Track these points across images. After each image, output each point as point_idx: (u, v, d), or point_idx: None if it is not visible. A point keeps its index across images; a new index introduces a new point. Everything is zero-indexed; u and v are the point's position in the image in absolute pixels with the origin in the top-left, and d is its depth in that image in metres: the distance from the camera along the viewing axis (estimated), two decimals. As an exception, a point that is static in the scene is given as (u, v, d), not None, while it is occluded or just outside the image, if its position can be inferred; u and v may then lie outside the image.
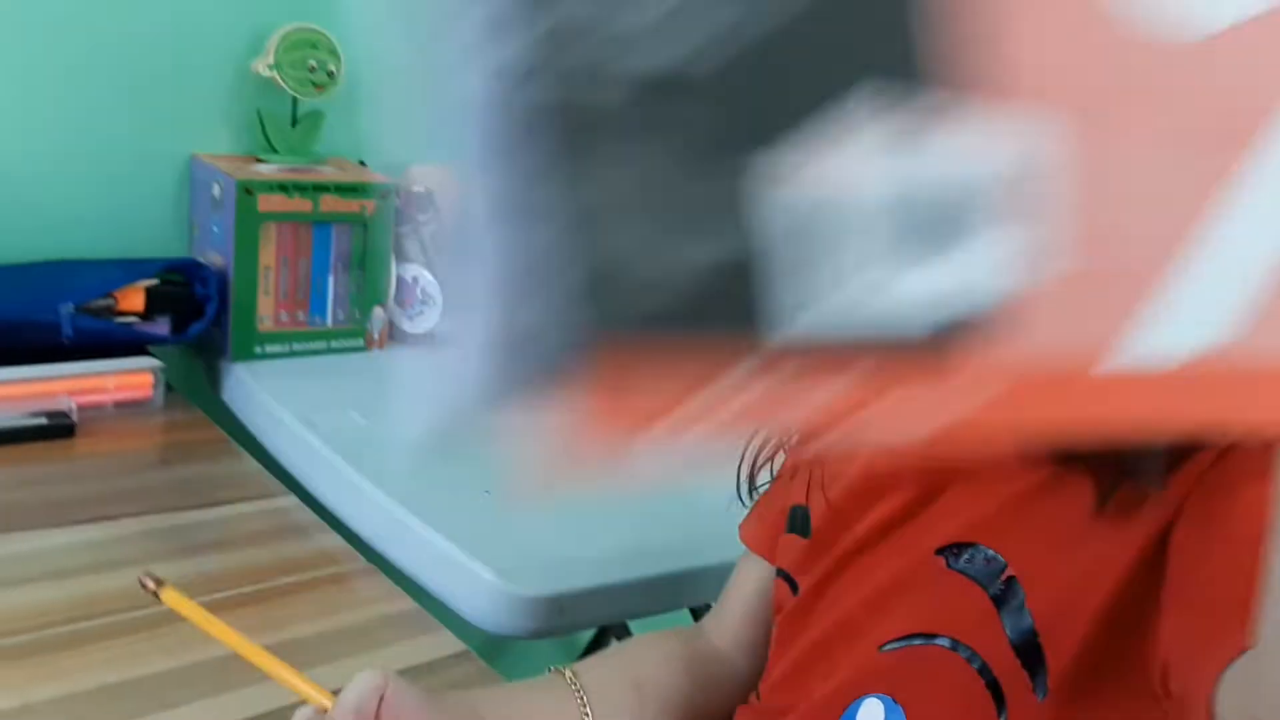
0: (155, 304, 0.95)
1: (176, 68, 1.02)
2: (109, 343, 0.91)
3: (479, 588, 0.69)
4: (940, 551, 0.46)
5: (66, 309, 0.88)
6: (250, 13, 1.04)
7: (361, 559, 0.73)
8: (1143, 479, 0.40)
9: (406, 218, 1.07)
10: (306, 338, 1.03)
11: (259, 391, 0.95)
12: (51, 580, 0.66)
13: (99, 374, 0.90)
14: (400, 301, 1.09)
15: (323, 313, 1.04)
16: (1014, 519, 0.45)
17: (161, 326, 0.96)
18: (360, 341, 1.06)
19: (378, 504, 0.78)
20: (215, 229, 1.00)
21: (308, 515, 0.79)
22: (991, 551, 0.45)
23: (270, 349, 1.01)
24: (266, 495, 0.81)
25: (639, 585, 0.72)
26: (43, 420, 0.84)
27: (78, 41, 0.97)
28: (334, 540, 0.75)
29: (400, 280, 1.08)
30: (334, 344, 1.05)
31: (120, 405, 0.91)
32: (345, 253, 1.04)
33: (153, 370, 0.92)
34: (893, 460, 0.51)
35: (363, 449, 0.85)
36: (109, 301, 0.92)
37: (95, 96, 0.99)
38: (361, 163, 1.12)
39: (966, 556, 0.45)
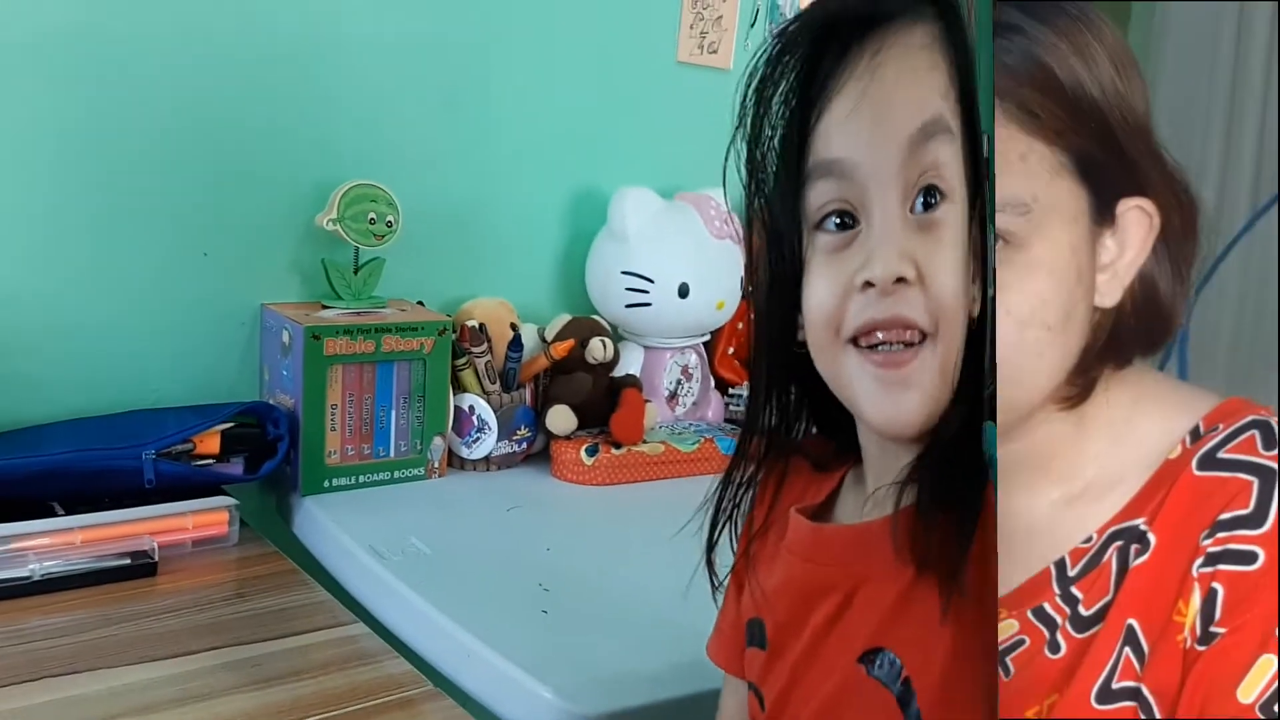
0: (230, 446, 1.01)
1: (247, 226, 1.10)
2: (188, 485, 0.97)
3: (539, 706, 0.71)
4: (860, 660, 0.48)
5: (148, 455, 0.94)
6: (313, 173, 1.12)
7: (428, 683, 0.76)
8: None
9: (461, 350, 1.13)
10: (371, 469, 1.08)
11: (327, 523, 0.99)
12: (134, 717, 0.69)
13: (178, 514, 0.94)
14: (457, 430, 1.14)
15: (386, 444, 1.09)
16: (901, 619, 0.46)
17: (236, 467, 1.02)
18: (421, 470, 1.11)
19: (440, 628, 0.81)
20: (285, 373, 1.06)
21: (376, 642, 0.81)
22: (893, 655, 0.46)
23: (337, 482, 1.06)
24: (336, 624, 0.84)
25: (697, 700, 0.73)
26: (126, 561, 0.89)
27: (157, 206, 1.06)
28: (401, 666, 0.78)
29: (457, 410, 1.13)
30: (397, 474, 1.09)
31: (198, 543, 0.95)
32: (406, 387, 1.09)
33: (228, 508, 0.97)
34: (808, 569, 0.53)
35: (424, 574, 0.88)
36: (187, 446, 0.98)
37: (173, 256, 1.07)
38: (420, 303, 1.18)
39: (879, 662, 0.47)
